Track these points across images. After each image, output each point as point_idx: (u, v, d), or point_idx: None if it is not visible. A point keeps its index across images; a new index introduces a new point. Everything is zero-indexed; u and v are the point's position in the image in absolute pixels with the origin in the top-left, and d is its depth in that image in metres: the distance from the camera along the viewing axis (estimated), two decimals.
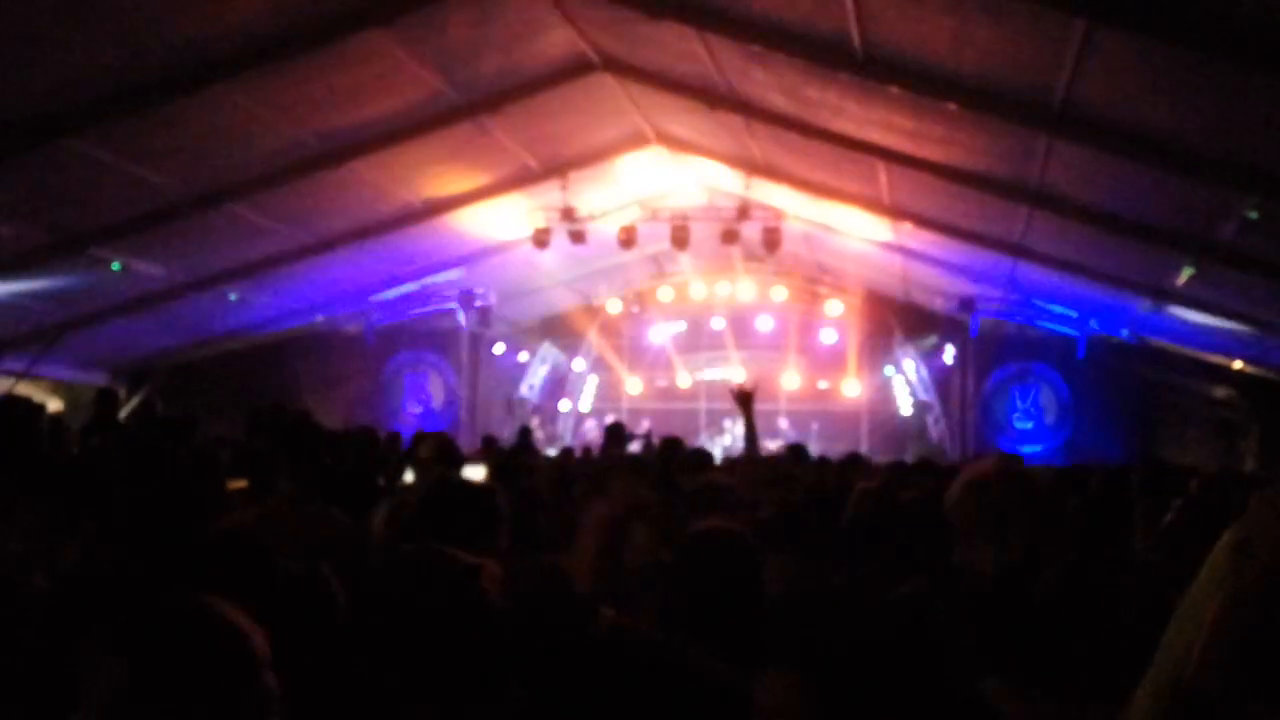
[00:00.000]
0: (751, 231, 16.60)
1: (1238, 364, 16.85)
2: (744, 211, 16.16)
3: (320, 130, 11.77)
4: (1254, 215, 9.58)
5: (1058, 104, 8.93)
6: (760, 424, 21.72)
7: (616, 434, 11.35)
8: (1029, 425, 20.98)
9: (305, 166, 12.33)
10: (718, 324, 22.81)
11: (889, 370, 22.48)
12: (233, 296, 15.90)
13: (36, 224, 11.95)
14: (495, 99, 12.20)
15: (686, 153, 15.43)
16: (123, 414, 14.90)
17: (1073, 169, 10.57)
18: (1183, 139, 9.03)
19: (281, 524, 4.69)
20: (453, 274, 18.87)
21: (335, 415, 18.16)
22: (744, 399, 7.93)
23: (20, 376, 15.05)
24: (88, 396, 15.68)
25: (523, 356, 22.97)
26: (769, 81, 11.12)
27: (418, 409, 21.73)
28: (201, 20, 9.28)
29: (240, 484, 7.04)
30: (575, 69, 12.32)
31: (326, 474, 5.58)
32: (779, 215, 16.39)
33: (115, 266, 13.24)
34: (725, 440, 21.32)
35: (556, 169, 14.94)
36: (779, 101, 11.66)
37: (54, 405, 16.21)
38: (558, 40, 11.55)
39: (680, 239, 16.78)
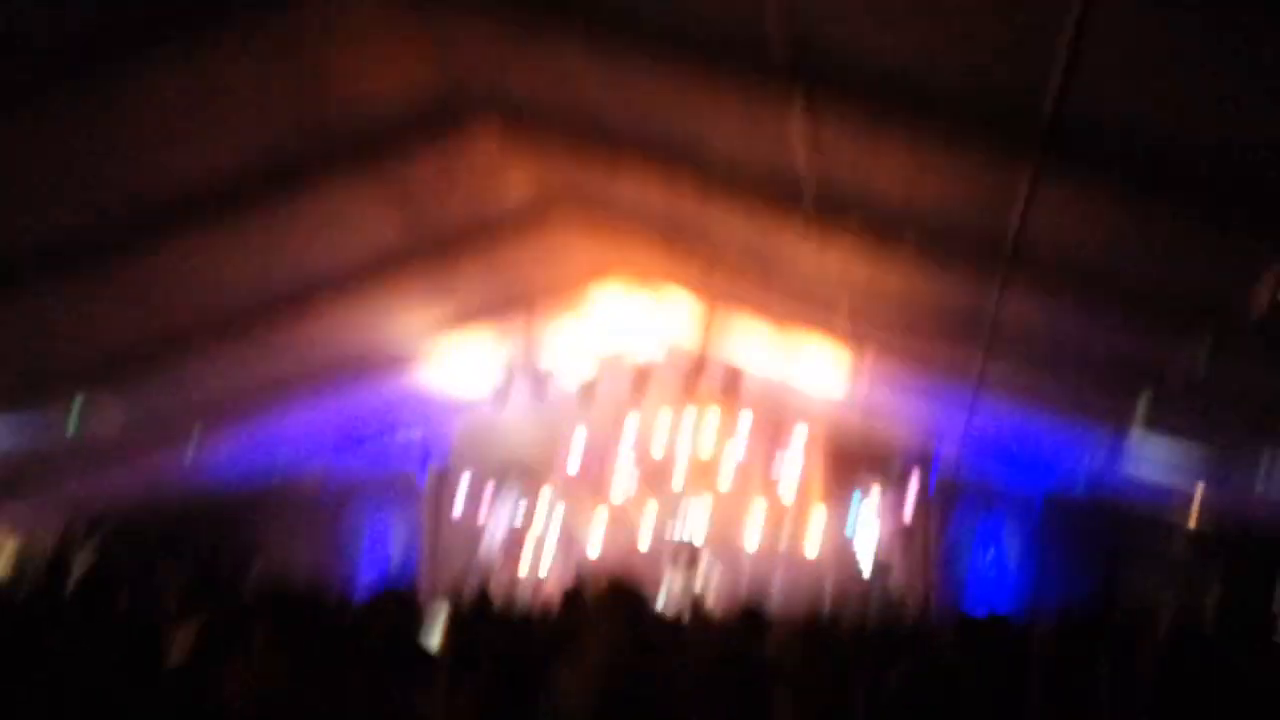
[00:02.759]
0: (711, 383, 16.68)
1: (1196, 511, 16.89)
2: (703, 363, 16.26)
3: (283, 275, 11.83)
4: (1209, 355, 9.70)
5: (1011, 241, 9.09)
6: (718, 577, 21.43)
7: (577, 592, 11.13)
8: (993, 576, 20.84)
9: (266, 311, 12.34)
10: (679, 473, 22.66)
11: (850, 522, 22.35)
12: (190, 449, 15.71)
13: None
14: (458, 240, 12.36)
15: (647, 294, 15.57)
16: (76, 569, 14.57)
17: (1028, 311, 10.72)
18: (1134, 275, 9.19)
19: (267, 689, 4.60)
20: (413, 428, 18.79)
21: (291, 573, 17.82)
22: (689, 557, 7.86)
23: None
24: (41, 544, 15.39)
25: (483, 510, 22.69)
26: (729, 219, 11.29)
27: (376, 567, 21.33)
28: (163, 169, 9.39)
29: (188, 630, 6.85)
30: (536, 209, 12.54)
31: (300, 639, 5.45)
32: (739, 361, 16.51)
33: (72, 414, 13.08)
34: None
35: (519, 315, 15.09)
36: (738, 239, 11.84)
37: (7, 553, 15.87)
38: (519, 180, 11.77)
39: (640, 391, 16.84)
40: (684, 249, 12.65)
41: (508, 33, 8.52)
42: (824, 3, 6.92)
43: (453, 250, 12.49)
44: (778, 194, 9.81)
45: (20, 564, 14.95)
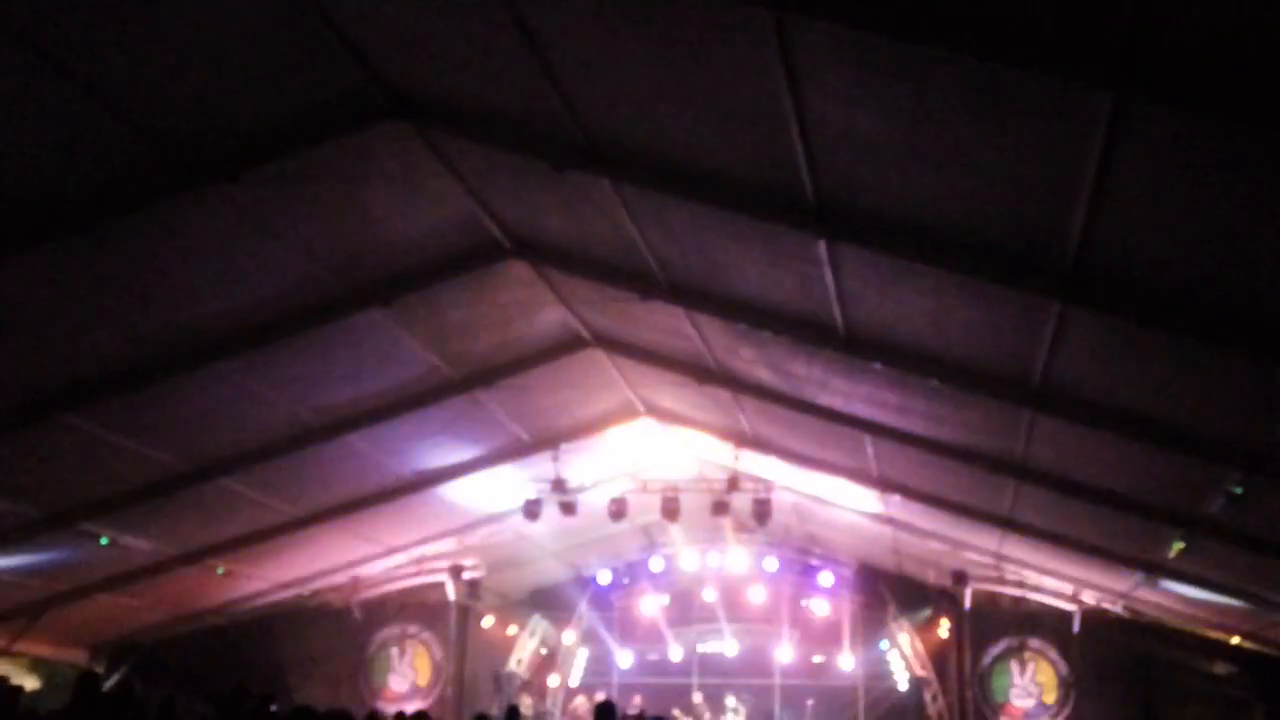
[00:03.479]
0: (742, 503, 16.63)
1: (1236, 639, 16.60)
2: (734, 483, 16.23)
3: (317, 405, 11.98)
4: (1239, 491, 9.64)
5: (1037, 381, 9.12)
6: (755, 701, 21.18)
7: (606, 714, 11.08)
8: (1030, 703, 20.46)
9: (300, 440, 12.49)
10: (709, 595, 22.55)
11: (884, 644, 22.08)
12: (220, 570, 15.74)
13: (27, 499, 11.96)
14: (489, 373, 12.50)
15: (676, 424, 15.63)
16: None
17: (1056, 443, 10.70)
18: (1163, 415, 9.17)
19: None
20: (442, 545, 18.79)
21: (319, 693, 17.75)
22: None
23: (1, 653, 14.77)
24: (65, 674, 15.37)
25: (511, 629, 22.56)
26: (756, 357, 11.39)
27: (403, 686, 21.18)
28: (203, 304, 9.60)
29: None
30: (567, 345, 12.67)
31: None
32: (769, 486, 16.45)
33: (103, 541, 13.17)
34: (726, 719, 20.78)
35: (548, 440, 15.12)
36: (766, 376, 11.91)
37: (31, 683, 15.84)
38: (550, 318, 11.92)
39: (670, 510, 16.77)
40: (711, 387, 12.73)
41: (537, 176, 8.68)
42: (850, 155, 7.03)
43: (483, 384, 12.61)
44: (804, 335, 9.88)
45: (48, 691, 14.94)
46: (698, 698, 21.82)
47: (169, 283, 9.25)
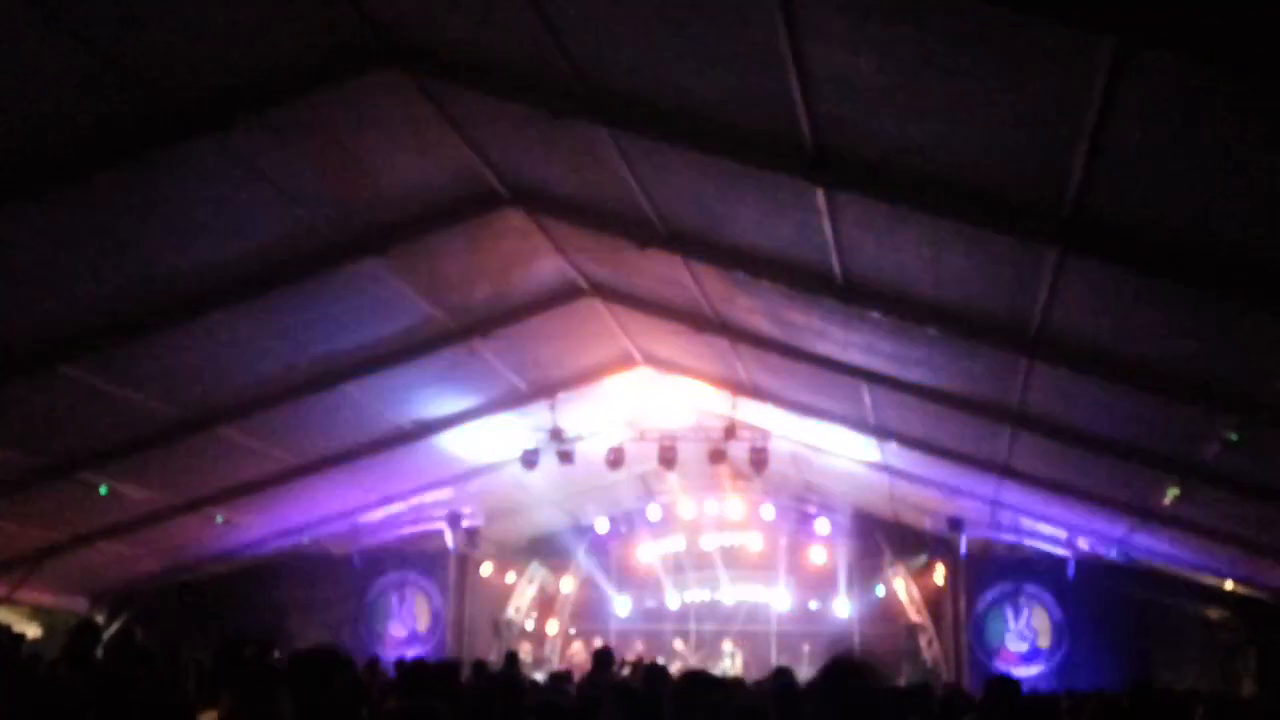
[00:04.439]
0: (739, 451, 16.69)
1: (1230, 585, 16.73)
2: (731, 431, 16.29)
3: (314, 354, 11.97)
4: (1234, 437, 9.68)
5: (1035, 328, 9.12)
6: (750, 646, 21.34)
7: (604, 660, 11.17)
8: (1023, 647, 20.64)
9: (298, 389, 12.49)
10: (707, 544, 22.69)
11: (880, 590, 22.25)
12: (219, 519, 15.81)
13: (26, 449, 11.99)
14: (486, 323, 12.49)
15: (673, 374, 15.64)
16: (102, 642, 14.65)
17: (1053, 391, 10.72)
18: (1159, 362, 9.19)
19: None
20: (441, 494, 18.86)
21: (319, 639, 17.85)
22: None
23: (1, 602, 14.84)
24: (66, 622, 15.46)
25: (510, 577, 22.72)
26: (753, 305, 11.38)
27: (403, 632, 21.35)
28: (200, 252, 9.57)
29: (211, 715, 6.88)
30: (565, 294, 12.65)
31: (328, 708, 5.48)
32: (766, 435, 16.51)
33: (103, 490, 13.21)
34: (724, 664, 20.95)
35: (545, 390, 15.14)
36: (763, 325, 11.91)
37: (32, 631, 15.93)
38: (548, 267, 11.89)
39: (668, 459, 16.85)
40: (708, 335, 12.72)
41: (534, 124, 8.63)
42: (848, 102, 6.99)
43: (481, 333, 12.60)
44: (802, 283, 9.87)
45: (49, 639, 15.03)
46: (679, 644, 22.02)
47: (165, 232, 9.22)
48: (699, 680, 5.30)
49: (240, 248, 9.77)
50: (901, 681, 17.31)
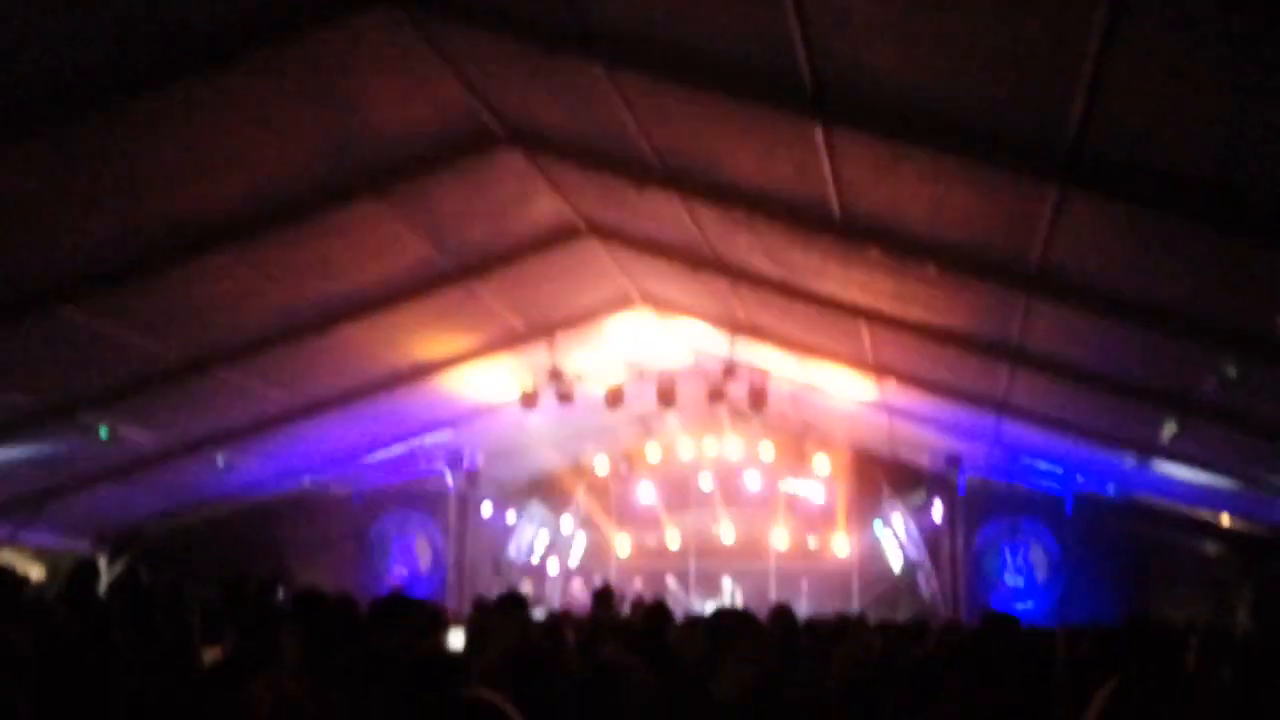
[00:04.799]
0: (738, 390, 16.71)
1: (1226, 520, 16.83)
2: (730, 371, 16.29)
3: (311, 296, 11.94)
4: (1233, 373, 9.69)
5: (1035, 265, 9.11)
6: (749, 583, 21.49)
7: (604, 598, 11.26)
8: (1020, 582, 20.83)
9: (296, 332, 12.47)
10: (705, 482, 22.80)
11: (878, 528, 22.39)
12: (220, 461, 15.85)
13: (25, 391, 12.00)
14: (484, 264, 12.45)
15: (672, 314, 15.63)
16: (106, 583, 14.78)
17: (1052, 328, 10.74)
18: (1159, 298, 9.19)
19: (296, 704, 4.70)
20: (440, 435, 18.92)
21: (321, 579, 17.97)
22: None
23: (3, 544, 14.91)
24: (69, 564, 15.56)
25: (510, 517, 22.85)
26: (752, 245, 11.35)
27: (404, 572, 21.52)
28: (196, 193, 9.52)
29: (215, 652, 6.96)
30: (562, 234, 12.59)
31: (330, 649, 5.55)
32: (765, 374, 16.52)
33: (103, 433, 13.24)
34: (723, 600, 21.13)
35: (544, 331, 15.12)
36: (762, 264, 11.88)
37: (35, 573, 16.05)
38: (545, 207, 11.83)
39: (667, 398, 16.88)
40: (707, 275, 12.70)
41: (530, 62, 8.57)
42: (846, 34, 6.93)
43: (478, 275, 12.58)
44: (801, 222, 9.83)
45: (52, 581, 15.13)
46: (671, 581, 22.19)
47: (161, 174, 9.14)
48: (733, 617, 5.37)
49: (236, 189, 9.70)
50: (899, 617, 17.47)
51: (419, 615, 6.72)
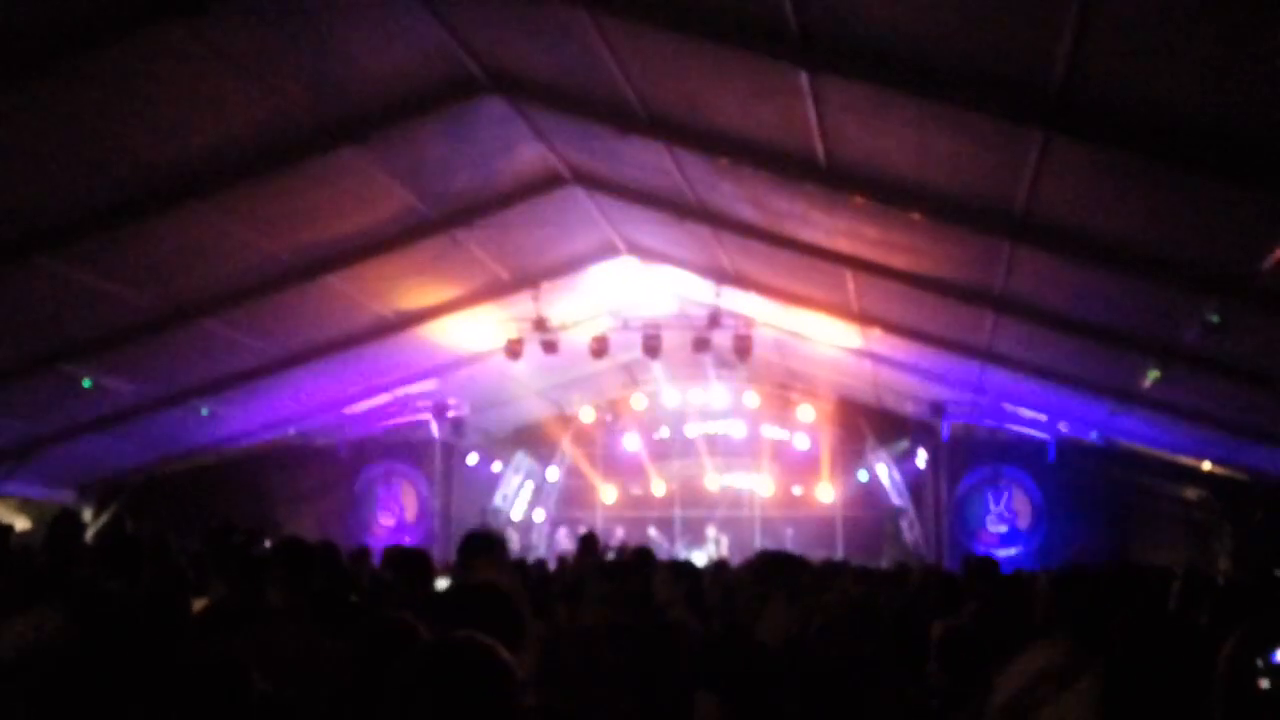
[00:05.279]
0: (723, 339, 16.71)
1: (1207, 465, 16.96)
2: (715, 320, 16.27)
3: (294, 245, 11.88)
4: (1216, 319, 9.73)
5: (1019, 212, 9.10)
6: (734, 531, 21.48)
7: (589, 545, 11.29)
8: (1003, 529, 20.96)
9: (278, 281, 12.43)
10: (691, 431, 22.85)
11: (862, 475, 22.49)
12: (204, 411, 15.83)
13: (6, 342, 11.94)
14: (467, 212, 12.37)
15: (657, 262, 15.59)
16: (92, 532, 14.76)
17: (1036, 275, 10.75)
18: (1143, 244, 9.21)
19: (279, 648, 4.69)
20: (426, 385, 18.90)
21: (307, 529, 18.01)
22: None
23: None
24: (55, 514, 15.53)
25: (496, 466, 22.87)
26: (737, 193, 11.31)
27: (390, 521, 21.56)
28: (175, 141, 9.43)
29: (201, 602, 6.93)
30: (546, 182, 12.52)
31: (314, 596, 5.54)
32: (749, 323, 16.52)
33: (85, 383, 13.19)
34: (709, 550, 21.23)
35: (528, 280, 15.07)
36: (747, 212, 11.84)
37: (21, 524, 16.02)
38: (528, 155, 11.76)
39: (652, 348, 16.86)
40: (692, 223, 12.66)
41: (513, 6, 8.48)
42: None
43: (462, 223, 12.50)
44: (786, 169, 9.79)
45: (38, 531, 15.10)
46: (653, 532, 22.29)
47: (139, 122, 9.08)
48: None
49: (217, 137, 9.63)
50: (883, 564, 17.59)
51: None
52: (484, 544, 5.35)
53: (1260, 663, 2.56)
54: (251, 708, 3.01)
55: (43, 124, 8.62)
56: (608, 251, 15.20)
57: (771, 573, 4.90)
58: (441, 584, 8.94)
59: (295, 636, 4.99)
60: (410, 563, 7.29)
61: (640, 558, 8.63)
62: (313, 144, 10.02)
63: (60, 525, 9.51)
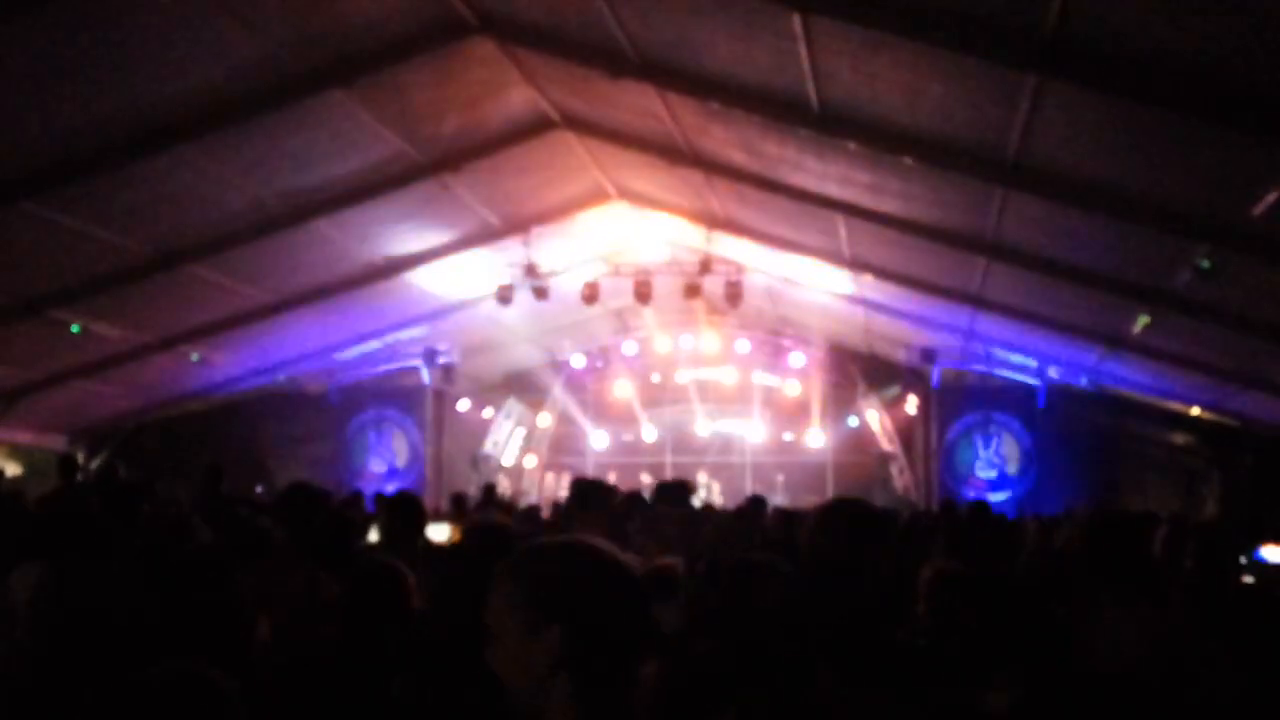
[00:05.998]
0: (714, 285, 16.69)
1: (1196, 411, 17.02)
2: (706, 266, 16.25)
3: (282, 190, 11.79)
4: (1206, 265, 9.73)
5: (1011, 157, 9.06)
6: (725, 477, 21.54)
7: (581, 490, 11.30)
8: (992, 474, 21.06)
9: (267, 226, 12.34)
10: (682, 378, 22.88)
11: (853, 421, 22.57)
12: (194, 357, 15.79)
13: None
14: (457, 157, 12.28)
15: (648, 208, 15.52)
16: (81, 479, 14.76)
17: (1028, 220, 10.71)
18: (1135, 190, 9.17)
19: (280, 589, 4.73)
20: (416, 331, 18.88)
21: (298, 475, 18.04)
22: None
23: None
24: (45, 461, 15.56)
25: (487, 413, 22.91)
26: (728, 137, 11.24)
27: (382, 467, 21.59)
28: (161, 84, 9.33)
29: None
30: (536, 127, 12.43)
31: (315, 538, 5.57)
32: (741, 269, 16.49)
33: (74, 329, 13.15)
34: (700, 496, 21.31)
35: (519, 225, 15.00)
36: (738, 157, 11.78)
37: (12, 470, 16.04)
38: (518, 99, 11.65)
39: (643, 294, 16.84)
40: (683, 169, 12.58)
41: None
42: None
43: (452, 168, 12.41)
44: (778, 113, 9.72)
45: (30, 477, 15.13)
46: (645, 478, 22.37)
47: (124, 63, 8.94)
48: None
49: (201, 80, 9.50)
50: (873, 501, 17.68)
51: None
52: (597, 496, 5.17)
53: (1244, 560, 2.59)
54: (257, 645, 3.04)
55: (25, 67, 8.51)
56: (599, 197, 15.13)
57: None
58: (434, 530, 8.99)
59: (297, 575, 5.03)
60: (403, 508, 7.30)
61: (631, 503, 8.66)
62: (300, 87, 9.90)
63: (67, 471, 9.57)
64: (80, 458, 16.40)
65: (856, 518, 3.45)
